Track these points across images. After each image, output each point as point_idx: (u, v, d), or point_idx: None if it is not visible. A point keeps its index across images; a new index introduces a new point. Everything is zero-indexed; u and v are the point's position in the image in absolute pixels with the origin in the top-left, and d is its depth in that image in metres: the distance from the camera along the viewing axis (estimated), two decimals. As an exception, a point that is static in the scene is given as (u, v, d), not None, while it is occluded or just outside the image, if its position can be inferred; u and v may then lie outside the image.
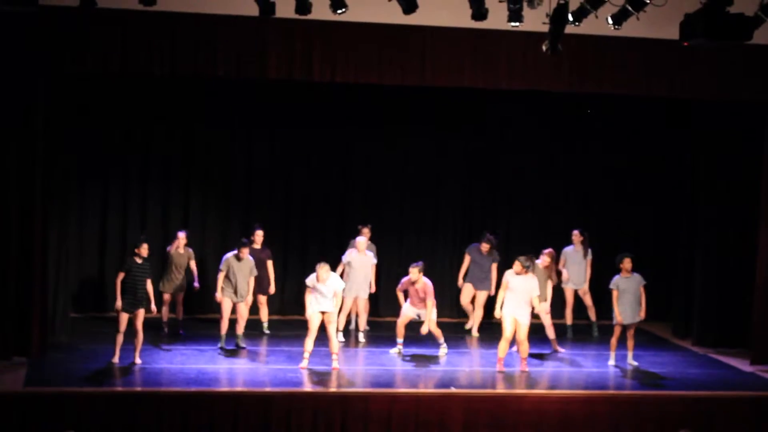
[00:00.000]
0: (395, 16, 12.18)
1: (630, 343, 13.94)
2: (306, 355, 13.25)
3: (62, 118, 14.06)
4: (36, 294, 13.32)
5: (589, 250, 15.90)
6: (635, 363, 13.99)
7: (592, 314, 16.08)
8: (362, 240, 15.11)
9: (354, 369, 13.60)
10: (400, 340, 14.24)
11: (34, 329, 13.33)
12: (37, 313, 13.35)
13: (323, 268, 13.14)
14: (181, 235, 14.96)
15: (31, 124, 13.15)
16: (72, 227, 15.33)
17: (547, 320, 14.62)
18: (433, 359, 14.10)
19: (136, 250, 13.26)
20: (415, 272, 13.91)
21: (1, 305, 13.21)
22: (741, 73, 14.10)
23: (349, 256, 15.00)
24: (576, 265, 15.84)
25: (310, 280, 13.23)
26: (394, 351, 14.23)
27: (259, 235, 15.10)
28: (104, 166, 16.38)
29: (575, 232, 15.89)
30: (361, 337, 15.14)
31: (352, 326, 15.66)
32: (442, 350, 14.28)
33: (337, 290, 13.27)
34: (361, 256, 14.98)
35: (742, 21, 10.90)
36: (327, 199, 17.01)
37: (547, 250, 14.76)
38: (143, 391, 12.20)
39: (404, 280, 14.19)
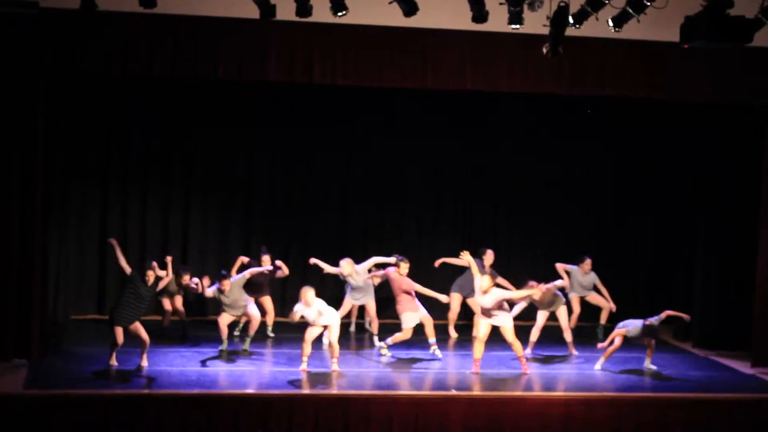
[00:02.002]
0: (396, 18, 12.19)
1: (611, 348, 13.91)
2: (305, 359, 13.26)
3: (62, 119, 14.06)
4: (36, 296, 13.32)
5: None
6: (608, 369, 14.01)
7: (604, 316, 15.97)
8: (346, 265, 14.87)
9: (355, 371, 13.58)
10: (387, 344, 14.21)
11: (34, 331, 13.33)
12: (38, 315, 13.35)
13: (308, 293, 13.05)
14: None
15: (32, 124, 13.14)
16: (72, 229, 15.33)
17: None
18: (433, 362, 14.09)
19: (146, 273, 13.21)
20: (403, 267, 14.02)
21: (1, 307, 13.21)
22: (741, 76, 14.11)
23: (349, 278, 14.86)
24: (580, 281, 15.73)
25: (298, 307, 13.13)
26: (384, 357, 14.16)
27: (265, 261, 15.05)
28: (104, 167, 16.39)
29: (588, 261, 15.65)
30: (377, 342, 14.80)
31: (352, 328, 15.67)
32: (437, 353, 14.28)
33: (331, 323, 13.14)
34: (357, 276, 14.81)
35: (743, 23, 10.93)
36: (328, 201, 17.04)
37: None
38: (144, 393, 12.17)
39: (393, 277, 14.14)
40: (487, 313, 13.45)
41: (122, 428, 11.67)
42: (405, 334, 14.04)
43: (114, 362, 13.13)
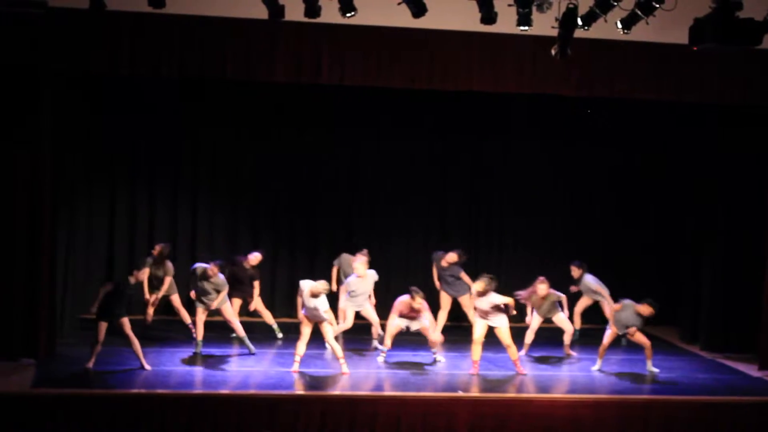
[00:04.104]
0: (404, 19, 12.17)
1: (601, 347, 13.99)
2: (297, 359, 13.26)
3: (69, 118, 14.08)
4: (44, 295, 13.35)
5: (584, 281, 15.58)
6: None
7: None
8: (360, 264, 14.70)
9: (362, 372, 13.58)
10: (384, 348, 14.05)
11: (42, 330, 13.35)
12: (45, 315, 13.37)
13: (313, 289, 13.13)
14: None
15: (39, 124, 13.16)
16: (79, 228, 15.35)
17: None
18: (439, 364, 14.08)
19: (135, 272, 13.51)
20: (418, 300, 13.64)
21: (8, 306, 13.25)
22: (749, 78, 14.09)
23: (351, 283, 14.66)
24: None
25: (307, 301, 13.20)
26: (380, 359, 14.09)
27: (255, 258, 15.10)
28: (111, 167, 16.42)
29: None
30: (378, 345, 14.80)
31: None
32: (439, 358, 14.24)
33: (330, 315, 13.27)
34: (362, 280, 14.66)
35: (752, 25, 10.90)
36: (335, 201, 17.04)
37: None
38: (149, 393, 12.17)
39: (401, 302, 13.79)
40: (483, 314, 13.47)
41: (129, 428, 11.69)
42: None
43: (90, 365, 13.03)
